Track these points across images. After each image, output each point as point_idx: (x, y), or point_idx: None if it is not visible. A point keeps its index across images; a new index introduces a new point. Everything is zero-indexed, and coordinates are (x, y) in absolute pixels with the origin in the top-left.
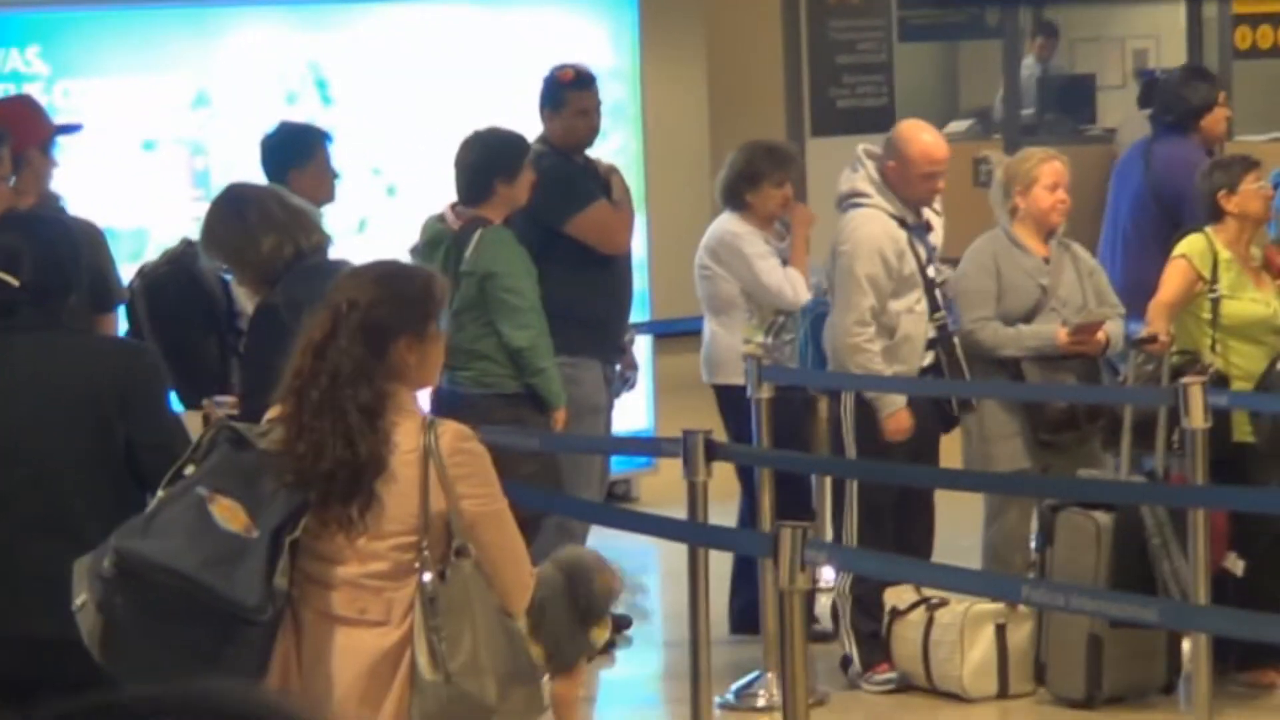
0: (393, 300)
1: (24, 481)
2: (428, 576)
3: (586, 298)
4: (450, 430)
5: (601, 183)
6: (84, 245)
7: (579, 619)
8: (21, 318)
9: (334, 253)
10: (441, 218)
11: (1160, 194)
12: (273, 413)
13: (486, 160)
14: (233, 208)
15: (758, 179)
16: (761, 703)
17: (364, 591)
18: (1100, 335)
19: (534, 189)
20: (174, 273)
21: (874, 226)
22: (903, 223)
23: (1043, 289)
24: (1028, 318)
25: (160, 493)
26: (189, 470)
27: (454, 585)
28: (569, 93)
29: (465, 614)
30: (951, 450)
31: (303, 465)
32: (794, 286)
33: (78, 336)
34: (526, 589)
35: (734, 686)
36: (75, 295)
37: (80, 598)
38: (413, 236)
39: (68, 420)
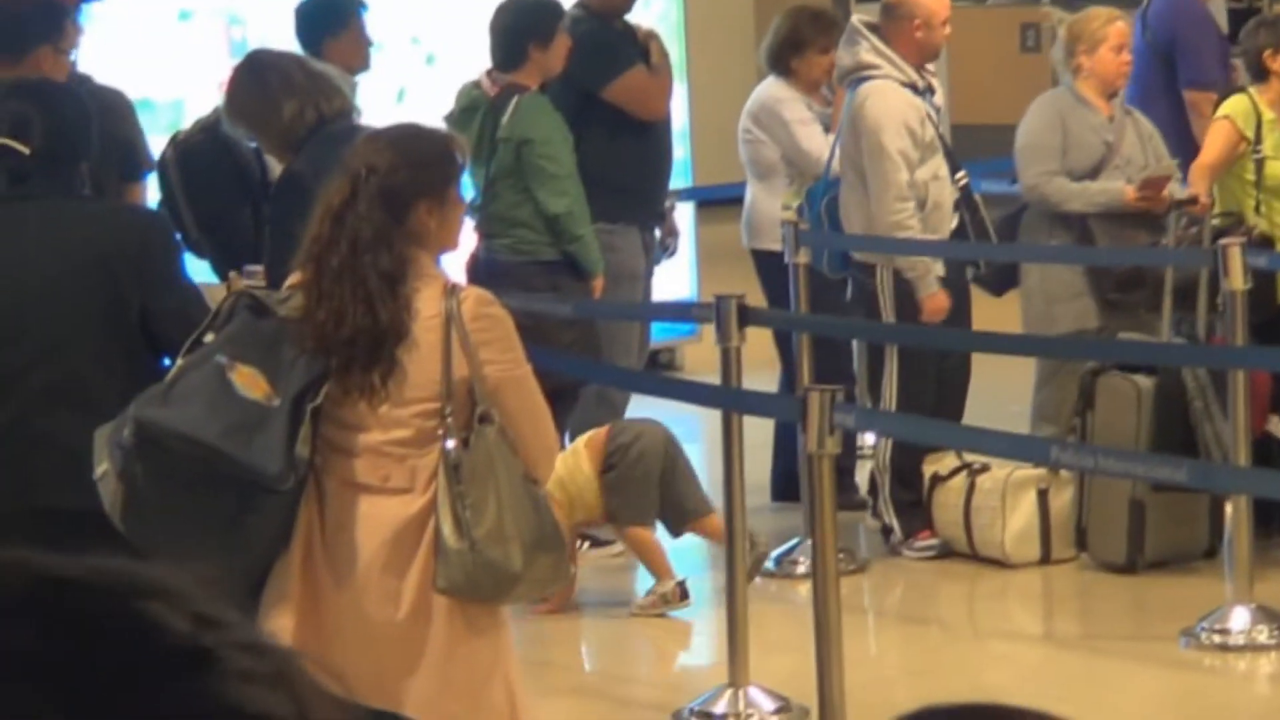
0: (411, 164)
1: (38, 352)
2: (451, 443)
3: (624, 164)
4: (472, 295)
5: (640, 48)
6: (98, 112)
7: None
8: (32, 185)
9: (369, 121)
10: (477, 84)
11: (1155, 44)
12: (293, 279)
13: (520, 24)
14: (254, 74)
15: (802, 45)
16: (801, 569)
17: (387, 459)
18: (1165, 191)
19: (571, 54)
20: (207, 141)
21: (893, 98)
22: (914, 89)
23: (1108, 146)
24: (1092, 175)
25: (179, 361)
26: (208, 338)
27: (478, 452)
28: None
29: (490, 481)
30: (1004, 314)
31: (323, 332)
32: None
33: (89, 204)
34: (552, 454)
35: (774, 553)
36: (87, 163)
37: (101, 467)
38: (451, 105)
39: (80, 289)
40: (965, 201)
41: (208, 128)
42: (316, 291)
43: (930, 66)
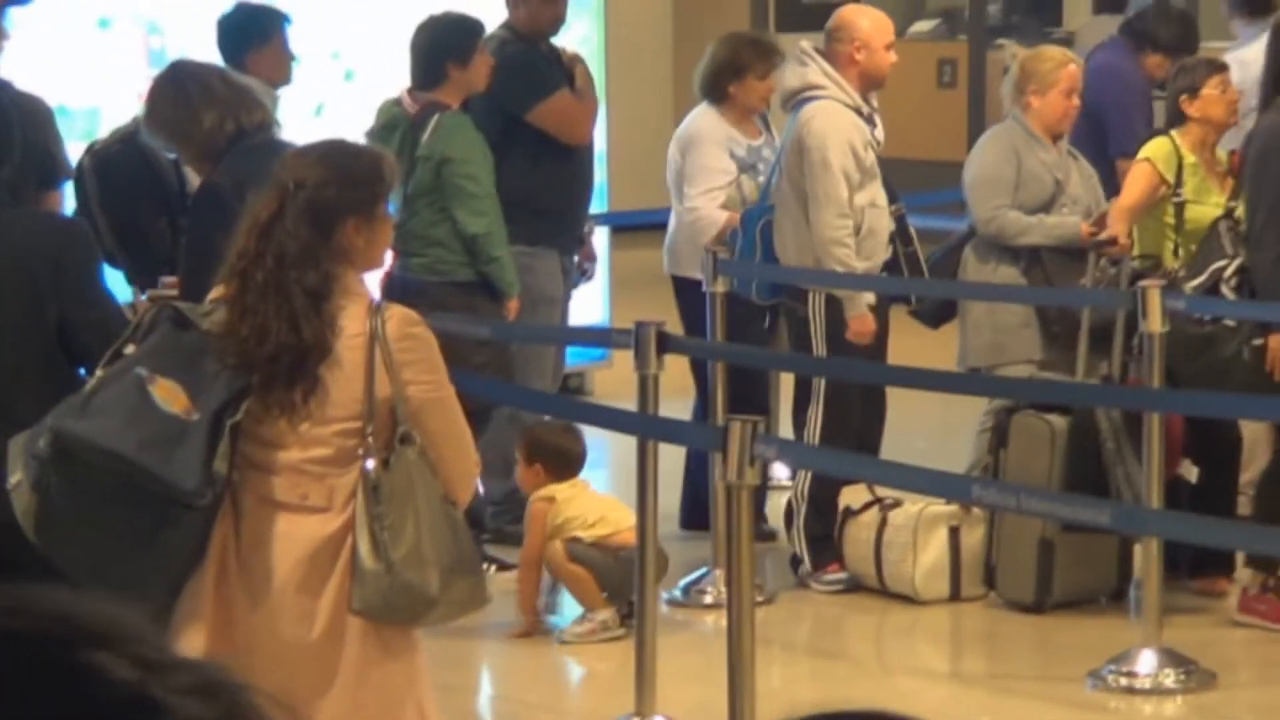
0: (340, 180)
1: None
2: (371, 463)
3: (546, 187)
4: (397, 315)
5: (565, 72)
6: (21, 120)
7: None
8: None
9: (288, 136)
10: (398, 101)
11: (1087, 106)
12: (216, 293)
13: (439, 42)
14: (175, 84)
15: (742, 70)
16: (709, 599)
17: (306, 477)
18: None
19: (496, 75)
20: (124, 151)
21: (839, 117)
22: (859, 114)
23: (1057, 183)
24: (1041, 212)
25: (99, 372)
26: (128, 350)
27: (398, 473)
28: None
29: (409, 502)
30: (918, 345)
31: (246, 348)
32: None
33: (9, 212)
34: (471, 478)
35: (682, 582)
36: (9, 169)
37: (15, 476)
38: (370, 121)
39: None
40: (900, 233)
41: (126, 137)
42: (240, 306)
43: (874, 100)
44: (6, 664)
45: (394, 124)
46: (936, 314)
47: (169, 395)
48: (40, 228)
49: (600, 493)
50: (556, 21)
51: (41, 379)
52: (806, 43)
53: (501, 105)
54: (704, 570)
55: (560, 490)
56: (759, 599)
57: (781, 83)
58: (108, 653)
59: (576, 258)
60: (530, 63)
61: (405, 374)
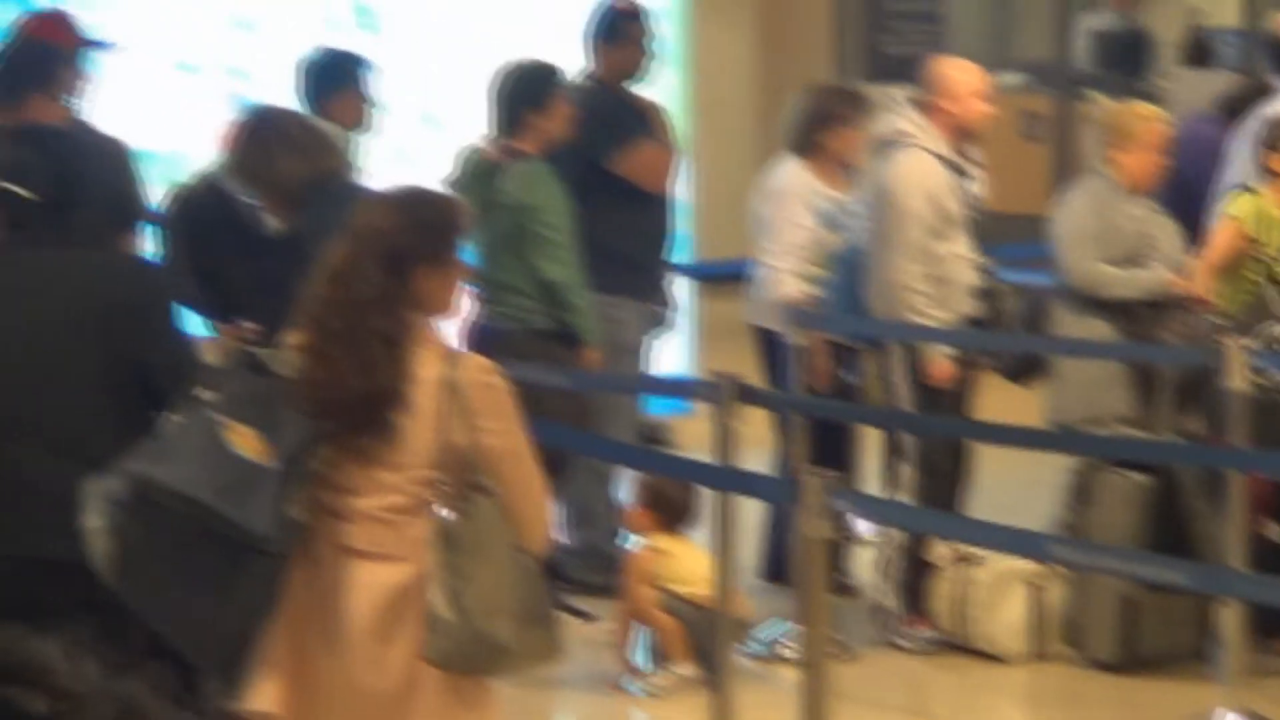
0: (415, 226)
1: (31, 399)
2: (445, 512)
3: (628, 235)
4: (472, 363)
5: (644, 120)
6: (100, 161)
7: None
8: (32, 232)
9: (370, 182)
10: (478, 148)
11: (1180, 167)
12: (292, 339)
13: (516, 90)
14: (253, 129)
15: (831, 120)
16: (789, 654)
17: (380, 525)
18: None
19: (579, 124)
20: (205, 194)
21: (919, 165)
22: (947, 164)
23: (1145, 238)
24: (1129, 266)
25: (174, 416)
26: (205, 394)
27: (472, 522)
28: (628, 23)
29: (483, 552)
30: (1022, 400)
31: (321, 394)
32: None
33: (88, 253)
34: (545, 528)
35: (764, 635)
36: (87, 211)
37: (92, 520)
38: (451, 168)
39: (77, 337)
40: (988, 288)
41: (207, 181)
42: (315, 352)
43: (977, 156)
44: None
45: (474, 171)
46: (1018, 369)
47: (245, 441)
48: (120, 270)
49: (701, 549)
50: (643, 68)
51: (119, 421)
52: (900, 92)
53: (583, 153)
54: (784, 624)
55: (667, 542)
56: (841, 654)
57: (872, 130)
58: (20, 687)
59: (656, 306)
60: (612, 110)
61: (480, 422)
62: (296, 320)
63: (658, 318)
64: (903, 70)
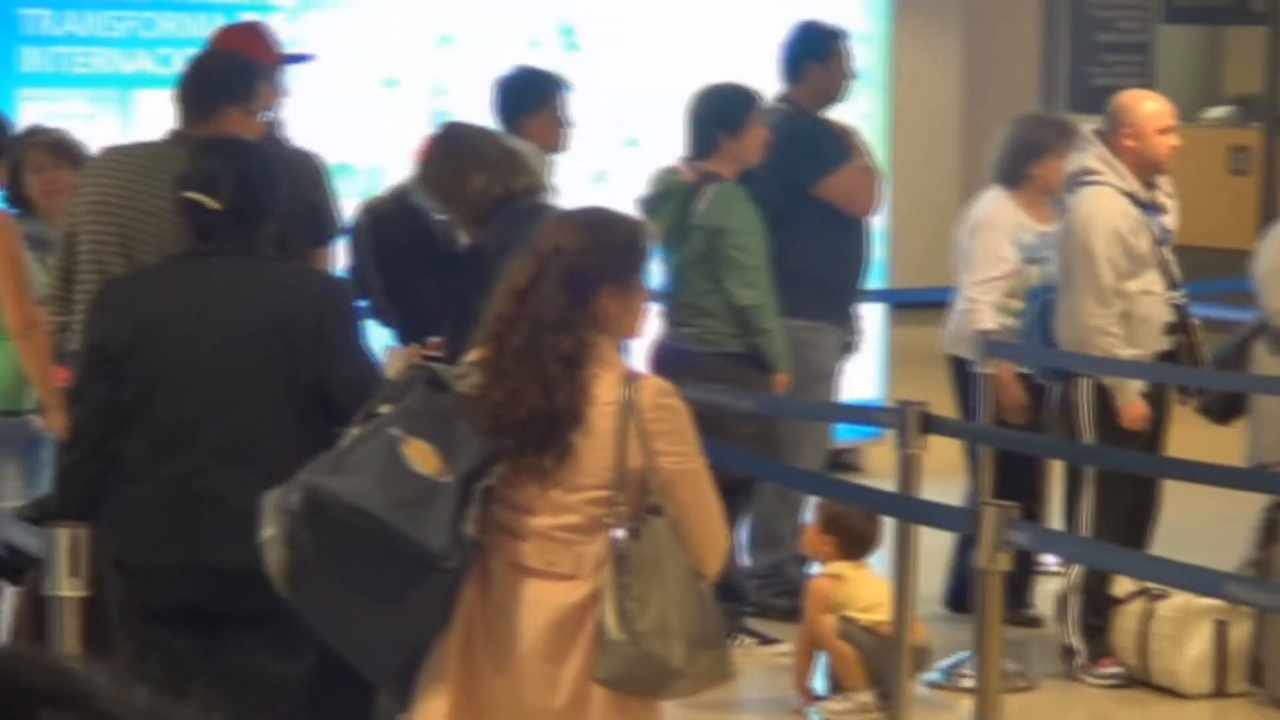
0: (598, 248)
1: (213, 409)
2: (620, 532)
3: (829, 261)
4: (650, 385)
5: (844, 144)
6: (291, 175)
7: None
8: (219, 242)
9: (566, 202)
10: (674, 170)
11: None
12: (472, 356)
13: (710, 113)
14: (446, 145)
15: (1042, 150)
16: (968, 683)
17: (554, 544)
18: None
19: (780, 148)
20: (399, 210)
21: (1108, 203)
22: (1135, 200)
23: None
24: None
25: (353, 430)
26: (383, 409)
27: (646, 543)
28: (835, 43)
29: (656, 573)
30: (1223, 439)
31: (499, 412)
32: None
33: (274, 265)
34: (720, 552)
35: (943, 664)
36: (275, 223)
37: (268, 531)
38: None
39: (258, 348)
40: (1180, 322)
41: (401, 196)
42: (495, 370)
43: (1167, 187)
44: None
45: (668, 193)
46: (1224, 409)
47: (421, 456)
48: (303, 283)
49: (881, 577)
50: (840, 92)
51: (298, 433)
52: (1088, 126)
53: (786, 177)
54: (964, 654)
55: (847, 569)
56: (1021, 685)
57: (1066, 166)
58: (58, 709)
59: (847, 333)
60: (815, 135)
61: (657, 444)
62: (478, 337)
63: (849, 344)
64: (1108, 102)
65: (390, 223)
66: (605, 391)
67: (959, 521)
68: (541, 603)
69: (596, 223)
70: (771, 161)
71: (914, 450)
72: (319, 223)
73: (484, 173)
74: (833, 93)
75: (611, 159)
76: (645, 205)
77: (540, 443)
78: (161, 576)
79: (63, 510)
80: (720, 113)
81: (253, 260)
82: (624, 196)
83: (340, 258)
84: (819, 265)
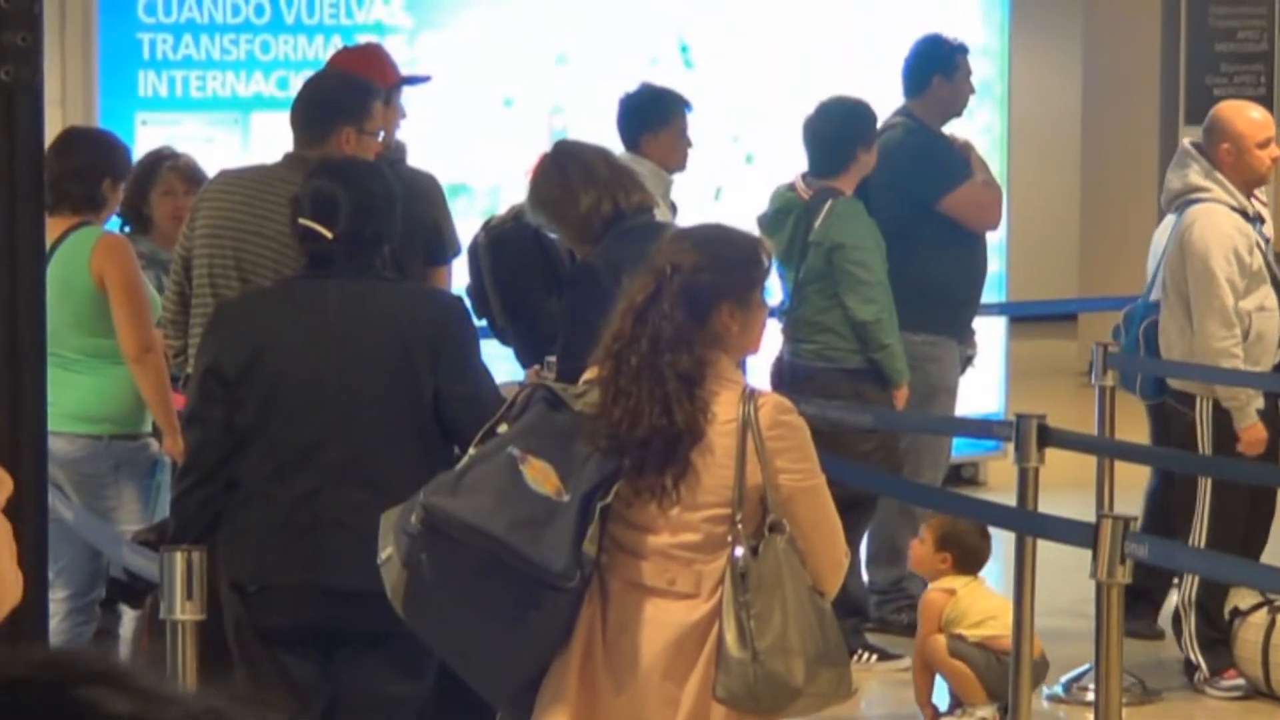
0: (717, 265)
1: (333, 429)
2: (740, 551)
3: (951, 276)
4: (770, 402)
5: (963, 158)
6: (408, 196)
7: None
8: (336, 267)
9: (684, 219)
10: (791, 186)
11: None
12: (590, 374)
13: (848, 130)
14: (556, 163)
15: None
16: (1090, 696)
17: (674, 562)
18: None
19: (904, 164)
20: (517, 229)
21: (1222, 222)
22: (1244, 215)
23: None
24: None
25: (471, 450)
26: (502, 429)
27: (766, 561)
28: (962, 57)
29: (776, 591)
30: None
31: (618, 430)
32: None
33: (391, 286)
34: (840, 569)
35: (1064, 678)
36: (389, 245)
37: (386, 551)
38: (765, 207)
39: (377, 369)
40: None
41: (519, 215)
42: (614, 388)
43: (1262, 195)
44: (3, 706)
45: (787, 209)
46: None
47: (540, 476)
48: (421, 302)
49: (993, 591)
50: (961, 108)
51: (417, 452)
52: (1188, 140)
53: (908, 193)
54: (1087, 666)
55: (960, 583)
56: (1142, 698)
57: (1166, 184)
58: (103, 687)
59: (967, 347)
60: (939, 150)
61: (777, 462)
62: (595, 356)
63: (969, 358)
64: (1208, 115)
65: (508, 241)
66: (725, 409)
67: (1077, 535)
68: (661, 621)
69: (714, 239)
70: (893, 177)
71: (1031, 464)
72: (436, 243)
73: (594, 190)
74: (956, 107)
75: (730, 175)
76: (764, 222)
77: (660, 461)
78: (279, 598)
79: (180, 533)
80: (857, 128)
81: (369, 280)
82: (742, 213)
83: (459, 277)
84: (940, 280)
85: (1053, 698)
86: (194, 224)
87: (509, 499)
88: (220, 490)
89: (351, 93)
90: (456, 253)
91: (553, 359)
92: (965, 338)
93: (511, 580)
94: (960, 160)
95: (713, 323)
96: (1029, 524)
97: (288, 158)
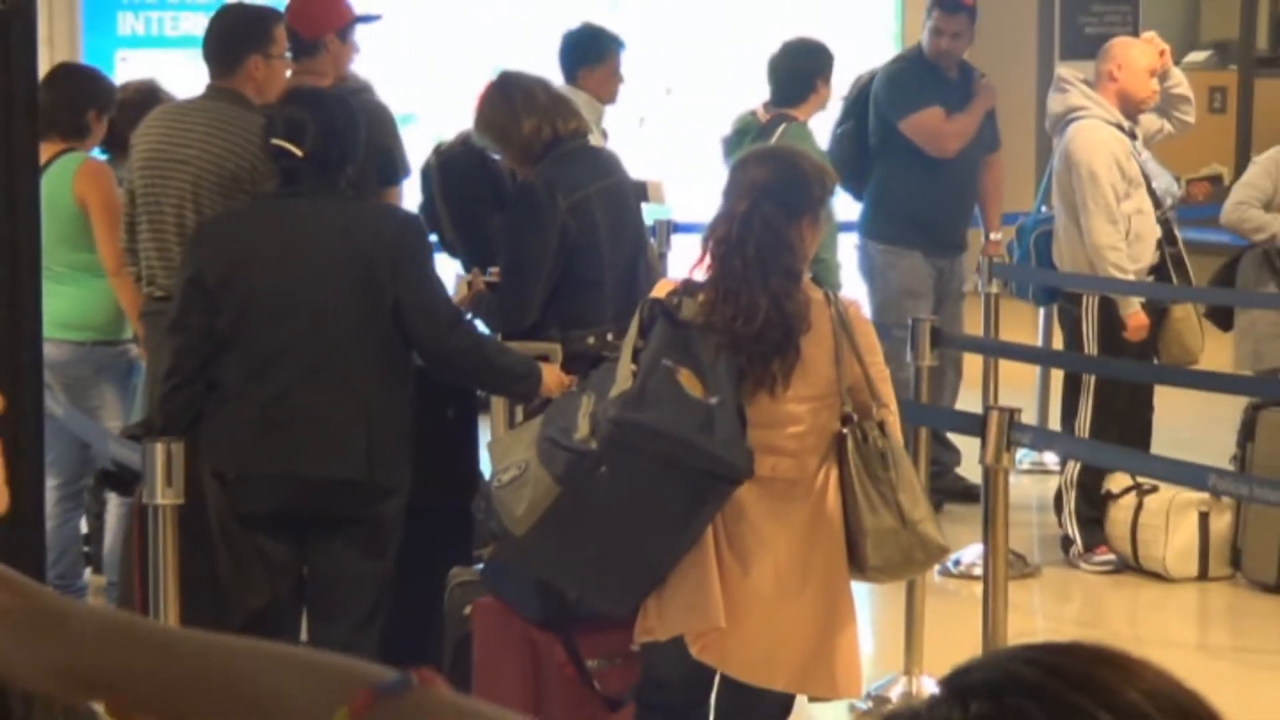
0: (801, 183)
1: (302, 332)
2: (868, 432)
3: (912, 192)
4: (851, 304)
5: (966, 93)
6: (365, 122)
7: None
8: (303, 184)
9: (612, 145)
10: (753, 112)
11: None
12: (665, 287)
13: (808, 64)
14: (501, 91)
15: None
16: (978, 572)
17: (780, 453)
18: None
19: (880, 84)
20: (465, 152)
21: (1101, 132)
22: (1120, 129)
23: None
24: None
25: (627, 367)
26: (638, 344)
27: (884, 442)
28: (936, 11)
29: (899, 464)
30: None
31: (732, 327)
32: None
33: (353, 204)
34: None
35: (953, 556)
36: (353, 167)
37: (508, 473)
38: (687, 135)
39: (342, 278)
40: (1166, 236)
41: (467, 141)
42: (722, 289)
43: (1144, 120)
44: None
45: (745, 130)
46: (1225, 317)
47: (691, 383)
48: (380, 218)
49: None
50: (949, 54)
51: (378, 355)
52: (1063, 69)
53: (879, 112)
54: (976, 545)
55: None
56: (1025, 571)
57: (1049, 110)
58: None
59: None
60: (908, 78)
61: (867, 356)
62: (696, 261)
63: (951, 287)
64: (1099, 48)
65: (456, 164)
66: (817, 309)
67: (967, 425)
68: (771, 509)
69: (795, 158)
70: (874, 97)
71: (925, 363)
72: (389, 166)
73: (535, 116)
74: (939, 54)
75: (651, 107)
76: (726, 143)
77: (773, 353)
78: (256, 485)
79: (166, 429)
80: (814, 63)
81: (334, 199)
82: (662, 141)
83: (410, 197)
84: (900, 195)
85: (944, 573)
86: (132, 159)
87: (683, 407)
88: (202, 390)
89: (254, 22)
90: (406, 174)
91: (495, 269)
92: (935, 253)
93: (687, 481)
94: (928, 89)
95: (793, 235)
96: (922, 416)
97: (206, 89)
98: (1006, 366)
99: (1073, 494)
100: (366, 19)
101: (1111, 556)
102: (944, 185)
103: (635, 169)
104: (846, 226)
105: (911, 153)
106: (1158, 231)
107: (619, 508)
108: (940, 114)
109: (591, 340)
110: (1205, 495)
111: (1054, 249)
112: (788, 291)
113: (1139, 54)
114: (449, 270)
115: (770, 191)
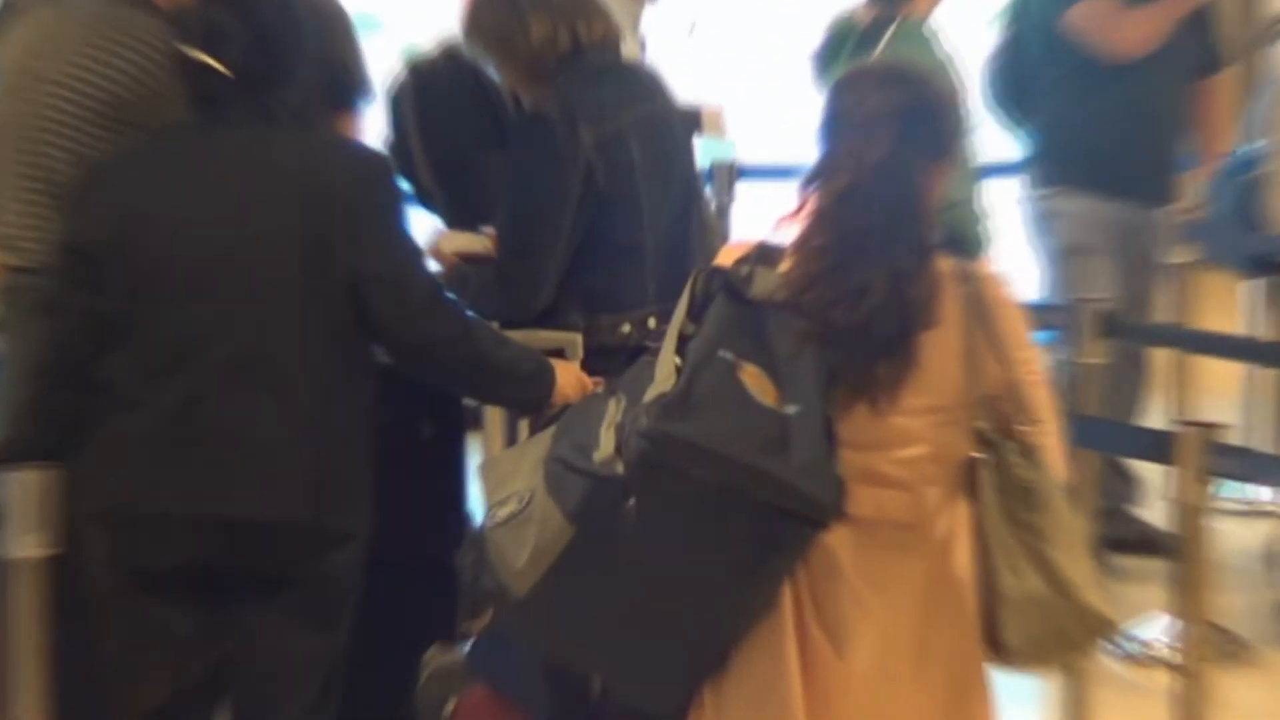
0: (931, 111)
1: (216, 319)
2: (1012, 458)
3: (1075, 117)
4: (990, 275)
5: None
6: (313, 27)
7: None
8: (226, 112)
9: (656, 55)
10: (849, 15)
11: None
12: (737, 250)
13: None
14: None
15: None
16: (1166, 654)
17: (893, 484)
18: None
19: None
20: (449, 69)
21: None
22: None
23: None
24: None
25: (666, 357)
26: (690, 329)
27: (1036, 471)
28: None
29: (1049, 509)
30: None
31: (830, 315)
32: None
33: (295, 137)
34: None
35: (1128, 633)
36: (294, 87)
37: (507, 508)
38: (756, 44)
39: (275, 242)
40: None
41: (452, 52)
42: (818, 263)
43: None
44: None
45: (841, 37)
46: None
47: (758, 384)
48: (333, 157)
49: None
50: None
51: (326, 349)
52: None
53: (1031, 19)
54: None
55: None
56: (1234, 653)
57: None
58: None
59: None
60: None
61: (1012, 353)
62: (781, 219)
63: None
64: None
65: (437, 84)
66: (944, 288)
67: (1153, 447)
68: (881, 567)
69: (928, 76)
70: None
71: (1089, 359)
72: (343, 84)
73: (547, 16)
74: None
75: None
76: (817, 60)
77: (879, 350)
78: (154, 531)
79: (29, 449)
80: None
81: (269, 132)
82: (722, 52)
83: (373, 127)
84: (1067, 123)
85: (1116, 656)
86: None
87: (744, 416)
88: (82, 396)
89: None
90: (369, 96)
91: (490, 230)
92: (1122, 201)
93: (751, 520)
94: None
95: (924, 188)
96: (1088, 435)
97: None
98: (1204, 365)
99: None
100: None
101: None
102: (1132, 109)
103: (685, 91)
104: (1001, 169)
105: (1086, 66)
106: None
107: (655, 557)
108: (1115, 5)
109: (626, 328)
110: None
111: (1265, 201)
112: (914, 271)
113: None
114: (426, 230)
115: (907, 127)
